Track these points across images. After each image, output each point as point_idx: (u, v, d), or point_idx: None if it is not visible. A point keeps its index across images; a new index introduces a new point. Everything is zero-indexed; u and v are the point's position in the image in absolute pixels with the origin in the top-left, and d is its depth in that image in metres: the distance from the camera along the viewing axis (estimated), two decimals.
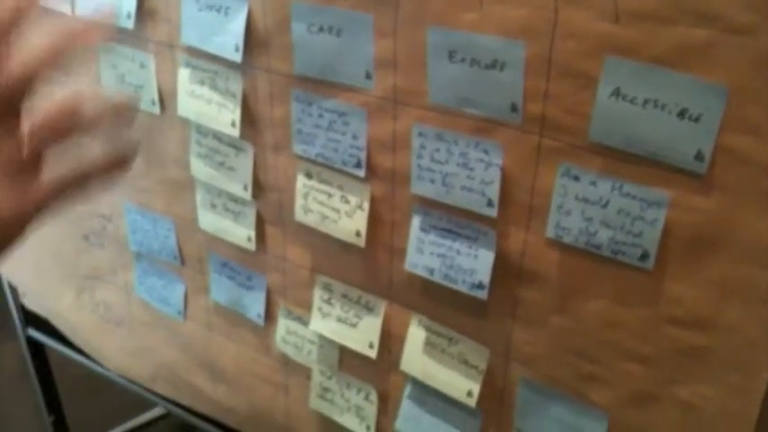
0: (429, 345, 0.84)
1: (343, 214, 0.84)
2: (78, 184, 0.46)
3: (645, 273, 0.65)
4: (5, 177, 0.44)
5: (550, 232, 0.69)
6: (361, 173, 0.81)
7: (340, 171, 0.83)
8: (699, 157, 0.59)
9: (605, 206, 0.65)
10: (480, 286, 0.75)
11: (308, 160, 0.85)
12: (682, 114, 0.58)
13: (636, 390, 0.70)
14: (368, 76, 0.76)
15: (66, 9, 1.01)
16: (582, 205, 0.66)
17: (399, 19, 0.71)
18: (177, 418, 1.27)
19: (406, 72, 0.73)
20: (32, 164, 0.45)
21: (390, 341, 0.88)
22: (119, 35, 0.96)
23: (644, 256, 0.64)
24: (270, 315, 1.01)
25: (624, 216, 0.64)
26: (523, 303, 0.74)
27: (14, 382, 1.82)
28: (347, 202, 0.84)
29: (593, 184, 0.65)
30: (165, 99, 0.96)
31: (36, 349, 1.50)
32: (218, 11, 0.83)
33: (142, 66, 0.96)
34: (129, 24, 0.93)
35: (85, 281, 1.26)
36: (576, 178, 0.66)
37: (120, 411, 1.79)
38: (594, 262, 0.68)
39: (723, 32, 0.55)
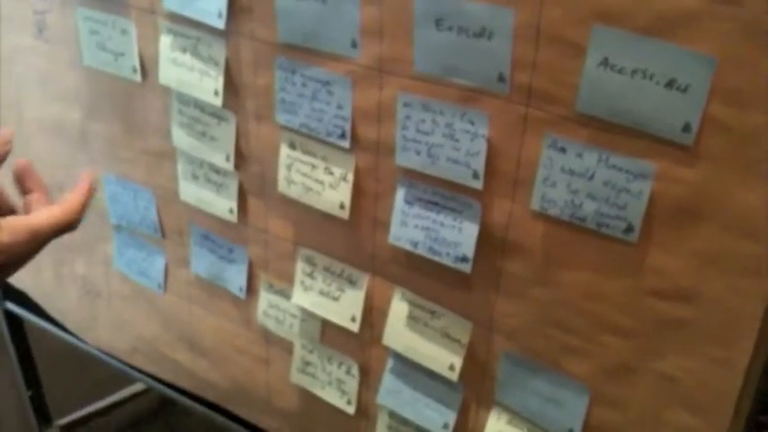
0: (411, 318, 0.84)
1: (326, 186, 0.83)
2: None
3: (629, 245, 0.65)
4: None
5: (536, 204, 0.68)
6: (346, 144, 0.80)
7: (324, 142, 0.81)
8: (686, 128, 0.58)
9: (591, 178, 0.64)
10: (464, 259, 0.75)
11: (292, 130, 0.84)
12: (670, 85, 0.58)
13: (617, 362, 0.69)
14: (353, 45, 0.74)
15: None
16: (568, 177, 0.66)
17: None
18: (157, 392, 1.26)
19: (393, 40, 0.72)
20: None
21: (373, 315, 0.88)
22: (99, 1, 0.94)
23: (628, 229, 0.64)
24: (251, 288, 1.00)
25: (610, 188, 0.64)
26: (507, 276, 0.74)
27: None
28: (331, 173, 0.83)
29: (580, 155, 0.64)
30: (147, 66, 0.94)
31: (14, 323, 1.48)
32: None
33: (123, 32, 0.94)
34: None
35: (64, 253, 1.24)
36: (563, 150, 0.65)
37: (99, 386, 1.78)
38: (579, 234, 0.67)
39: (712, 2, 0.54)
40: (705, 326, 0.63)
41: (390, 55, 0.72)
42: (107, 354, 1.29)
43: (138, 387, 1.82)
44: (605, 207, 0.65)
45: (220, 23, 0.82)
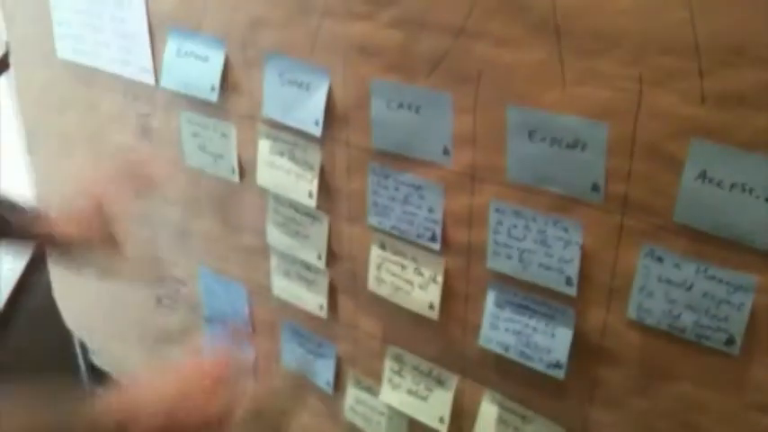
0: (501, 422, 0.83)
1: (416, 286, 0.85)
2: None
3: (731, 357, 0.63)
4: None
5: (632, 313, 0.68)
6: (437, 246, 0.81)
7: (414, 243, 0.83)
8: None
9: (690, 289, 0.64)
10: (558, 365, 0.74)
11: (383, 232, 0.86)
12: None
13: None
14: (446, 152, 0.76)
15: (149, 79, 1.05)
16: (665, 287, 0.65)
17: (480, 97, 0.72)
18: None
19: (485, 149, 0.73)
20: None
21: (462, 416, 0.87)
22: (202, 106, 1.00)
23: (730, 341, 0.63)
24: (339, 384, 1.01)
25: (709, 300, 0.63)
26: (602, 384, 0.73)
27: None
28: (421, 274, 0.84)
29: (677, 266, 0.64)
30: (245, 168, 0.99)
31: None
32: (300, 86, 0.86)
33: (223, 135, 0.99)
34: (213, 97, 0.97)
35: (155, 343, 1.28)
36: (660, 259, 0.65)
37: None
38: (678, 345, 0.66)
39: None
40: None
41: (483, 163, 0.74)
42: None
43: None
44: (705, 318, 0.63)
45: (317, 131, 0.86)
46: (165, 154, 1.09)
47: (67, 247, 0.89)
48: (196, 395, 0.68)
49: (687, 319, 0.64)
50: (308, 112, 0.86)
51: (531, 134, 0.69)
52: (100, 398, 0.68)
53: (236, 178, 1.00)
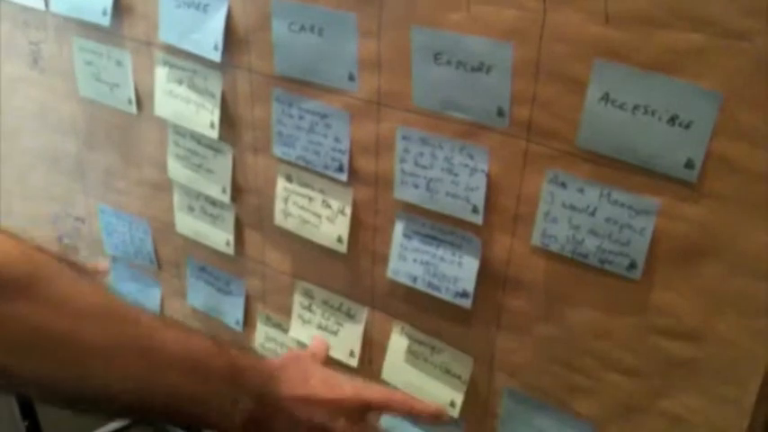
0: (411, 353, 0.82)
1: (324, 219, 0.82)
2: None
3: (633, 282, 0.63)
4: None
5: (536, 240, 0.67)
6: (343, 177, 0.78)
7: (321, 174, 0.80)
8: (689, 164, 0.57)
9: (593, 214, 0.63)
10: (464, 294, 0.74)
11: (289, 163, 0.83)
12: (672, 121, 0.57)
13: (623, 401, 0.68)
14: (351, 78, 0.73)
15: (38, 4, 0.98)
16: (569, 213, 0.64)
17: (384, 19, 0.69)
18: (152, 424, 1.24)
19: (391, 74, 0.71)
20: None
21: (372, 349, 0.86)
22: (95, 32, 0.94)
23: (632, 266, 0.63)
24: (248, 321, 0.98)
25: (612, 224, 0.63)
26: (508, 312, 0.73)
27: None
28: (328, 206, 0.82)
29: (581, 191, 0.63)
30: (142, 98, 0.93)
31: None
32: (197, 8, 0.81)
33: (118, 63, 0.93)
34: (105, 21, 0.90)
35: None
36: (564, 185, 0.64)
37: (95, 416, 1.76)
38: (581, 270, 0.66)
39: (718, 37, 0.53)
40: (712, 365, 0.62)
41: (389, 88, 0.71)
42: None
43: None
44: (608, 243, 0.63)
45: (216, 56, 0.81)
46: (58, 84, 1.03)
47: None
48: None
49: (590, 244, 0.64)
50: (207, 35, 0.81)
51: (436, 57, 0.66)
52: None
53: (133, 109, 0.94)
